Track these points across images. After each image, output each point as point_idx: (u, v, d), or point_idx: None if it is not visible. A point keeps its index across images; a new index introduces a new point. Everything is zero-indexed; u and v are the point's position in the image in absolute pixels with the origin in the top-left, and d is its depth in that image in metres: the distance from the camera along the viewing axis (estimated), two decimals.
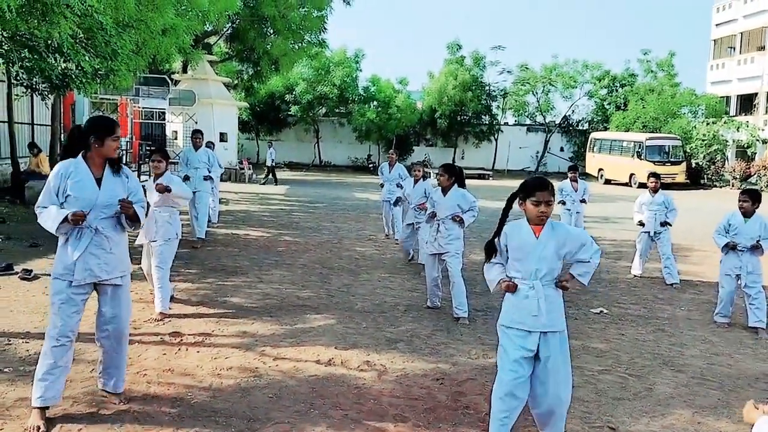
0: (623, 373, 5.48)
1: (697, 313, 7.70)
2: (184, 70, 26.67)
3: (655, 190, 9.39)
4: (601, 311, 7.54)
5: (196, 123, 25.07)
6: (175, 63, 23.79)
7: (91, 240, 4.09)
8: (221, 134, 26.52)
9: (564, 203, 11.16)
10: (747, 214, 7.06)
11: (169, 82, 23.40)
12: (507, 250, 3.89)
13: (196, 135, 10.79)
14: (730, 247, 7.09)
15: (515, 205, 3.91)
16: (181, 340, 5.82)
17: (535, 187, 3.77)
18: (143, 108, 23.40)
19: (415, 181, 9.86)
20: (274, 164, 26.78)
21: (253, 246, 10.96)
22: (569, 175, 11.51)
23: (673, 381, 5.33)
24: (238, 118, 30.87)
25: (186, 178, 9.99)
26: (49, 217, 4.00)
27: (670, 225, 9.35)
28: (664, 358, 5.93)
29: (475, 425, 4.31)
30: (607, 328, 6.87)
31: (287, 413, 4.37)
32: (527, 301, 3.76)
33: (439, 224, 7.10)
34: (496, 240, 3.93)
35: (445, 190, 7.18)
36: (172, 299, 6.88)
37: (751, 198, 7.05)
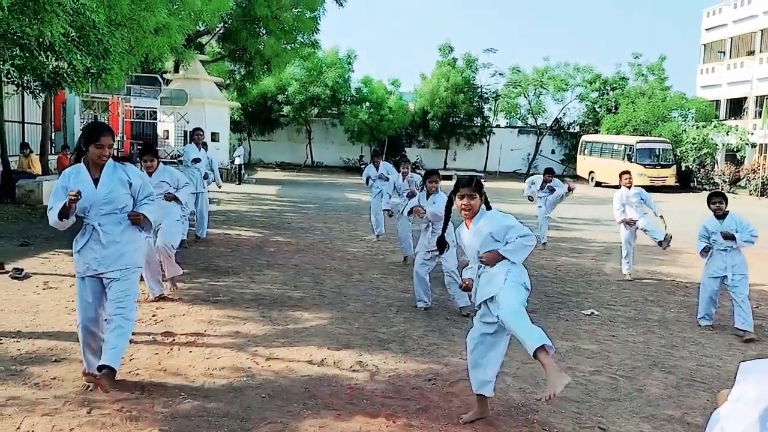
0: (614, 374, 5.51)
1: (686, 315, 7.76)
2: (176, 70, 26.59)
3: (629, 186, 9.78)
4: (592, 313, 7.58)
5: (188, 123, 24.95)
6: (167, 62, 23.73)
7: (91, 236, 4.46)
8: (213, 134, 26.43)
9: (531, 199, 12.32)
10: (722, 215, 7.21)
11: (161, 81, 23.31)
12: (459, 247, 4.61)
13: (197, 132, 10.75)
14: (706, 251, 7.30)
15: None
16: (174, 339, 5.81)
17: (459, 183, 4.44)
18: (135, 107, 23.27)
19: (404, 177, 10.25)
20: (242, 163, 27.02)
21: (245, 246, 10.95)
22: (545, 177, 12.22)
23: (663, 382, 5.37)
24: (230, 118, 30.80)
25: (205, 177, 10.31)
26: (54, 214, 4.35)
27: (662, 217, 9.69)
28: (654, 359, 5.98)
29: (467, 426, 4.33)
30: (598, 329, 6.91)
31: (280, 413, 4.37)
32: (478, 280, 4.39)
33: (429, 223, 7.25)
34: (446, 236, 5.30)
35: (429, 195, 7.35)
36: (164, 299, 6.87)
37: (723, 199, 7.30)
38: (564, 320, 7.20)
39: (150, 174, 6.94)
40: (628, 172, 10.05)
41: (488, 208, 4.45)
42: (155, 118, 25.94)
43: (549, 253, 11.71)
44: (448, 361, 5.61)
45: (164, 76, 25.61)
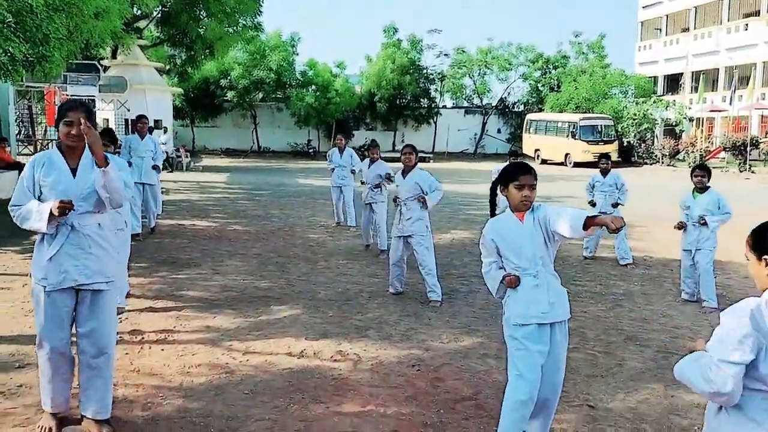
0: (592, 350, 5.57)
1: (650, 288, 7.92)
2: (114, 56, 25.60)
3: (605, 172, 9.57)
4: None
5: (129, 110, 24.12)
6: (106, 48, 22.77)
7: (67, 238, 3.65)
8: (156, 121, 25.58)
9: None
10: (702, 189, 7.21)
11: (99, 68, 22.40)
12: (498, 249, 3.68)
13: (141, 120, 10.31)
14: (680, 227, 7.29)
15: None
16: (143, 338, 5.56)
17: (518, 171, 3.65)
18: (72, 96, 22.28)
19: (371, 162, 9.78)
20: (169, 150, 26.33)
21: (202, 236, 10.63)
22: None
23: (641, 356, 5.45)
24: (172, 104, 29.92)
25: (129, 165, 9.58)
26: (31, 214, 3.59)
27: (622, 205, 9.49)
28: (628, 333, 6.07)
29: (458, 411, 4.28)
30: None
31: (266, 409, 4.23)
32: (537, 292, 3.55)
33: (401, 206, 7.07)
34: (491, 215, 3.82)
35: (405, 172, 7.14)
36: (128, 295, 6.58)
37: (707, 173, 7.20)
38: None
39: None
40: (606, 156, 9.95)
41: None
42: (94, 107, 24.97)
43: None
44: (428, 346, 5.55)
45: (102, 62, 24.59)
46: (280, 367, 4.96)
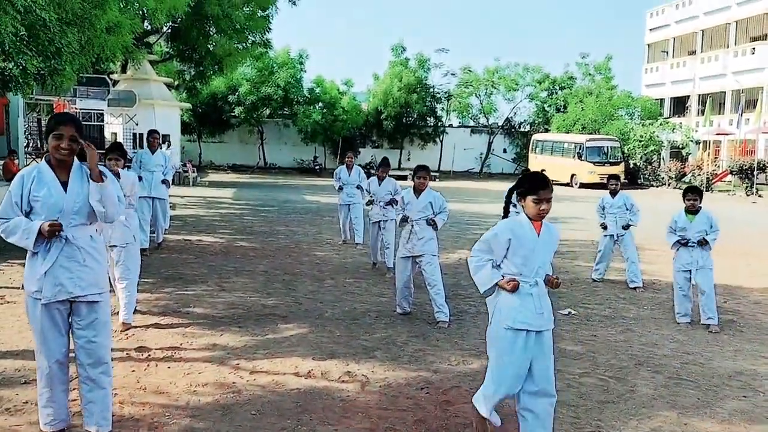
0: (603, 375, 5.49)
1: (659, 312, 7.84)
2: (123, 70, 25.74)
3: (614, 193, 9.52)
4: (570, 312, 7.59)
5: (137, 125, 24.27)
6: (116, 63, 22.94)
7: (61, 251, 3.67)
8: (164, 136, 25.68)
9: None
10: (694, 211, 7.27)
11: (109, 82, 22.52)
12: (508, 247, 3.82)
13: (153, 135, 10.37)
14: (681, 244, 7.29)
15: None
16: (149, 355, 5.52)
17: (538, 185, 3.75)
18: (80, 109, 22.40)
19: (380, 180, 9.79)
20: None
21: (209, 252, 10.61)
22: None
23: (652, 382, 5.37)
24: (180, 119, 30.06)
25: (139, 179, 9.61)
26: (18, 230, 3.60)
27: (634, 226, 9.41)
28: (639, 358, 5.99)
29: None
30: (578, 329, 6.91)
31: (274, 430, 4.17)
32: (531, 300, 3.77)
33: (412, 226, 7.02)
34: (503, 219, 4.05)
35: (418, 191, 7.11)
36: (135, 311, 6.54)
37: (699, 195, 7.31)
38: None
39: (115, 175, 6.55)
40: (615, 177, 9.93)
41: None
42: (102, 121, 25.08)
43: None
44: (437, 368, 5.49)
45: (111, 76, 24.76)
46: (288, 387, 4.91)
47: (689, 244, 7.25)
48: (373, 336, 6.35)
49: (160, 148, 12.31)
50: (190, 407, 4.48)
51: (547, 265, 3.91)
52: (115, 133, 25.46)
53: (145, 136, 12.99)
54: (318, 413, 4.46)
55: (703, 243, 7.17)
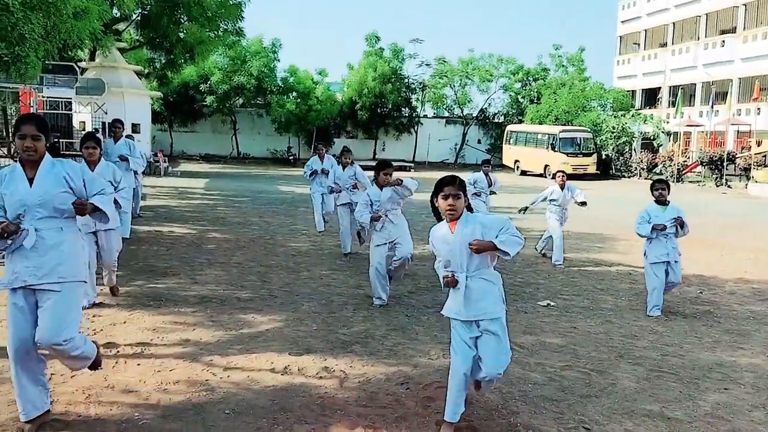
0: (584, 368, 5.42)
1: (637, 303, 7.81)
2: (92, 58, 25.13)
3: (563, 186, 9.99)
4: (548, 304, 7.53)
5: (106, 113, 23.59)
6: (84, 50, 22.35)
7: (24, 242, 3.78)
8: (134, 125, 25.17)
9: (479, 195, 11.43)
10: (664, 202, 7.34)
11: (77, 70, 21.90)
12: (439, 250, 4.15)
13: (116, 124, 10.10)
14: (659, 229, 7.25)
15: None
16: (118, 351, 5.30)
17: (442, 182, 4.06)
18: (47, 98, 21.77)
19: (344, 167, 10.11)
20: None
21: (181, 244, 10.34)
22: (483, 168, 11.88)
23: (634, 375, 5.31)
24: (151, 108, 29.47)
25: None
26: None
27: (586, 204, 10.15)
28: (619, 350, 5.94)
29: None
30: (558, 321, 6.84)
31: (249, 430, 4.01)
32: (458, 293, 4.04)
33: (386, 215, 7.12)
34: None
35: (380, 186, 7.17)
36: (100, 305, 6.32)
37: (667, 186, 7.39)
38: (523, 312, 7.10)
39: (90, 164, 6.39)
40: (562, 172, 10.58)
41: (470, 210, 4.17)
42: (70, 109, 24.43)
43: None
44: (416, 362, 5.36)
45: (79, 64, 24.11)
46: (263, 385, 4.74)
47: (667, 230, 7.24)
48: (351, 329, 6.20)
49: (132, 139, 12.03)
50: (160, 406, 4.29)
51: (474, 258, 4.01)
52: (84, 122, 24.83)
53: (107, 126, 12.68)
54: (295, 411, 4.31)
55: (681, 224, 7.22)
